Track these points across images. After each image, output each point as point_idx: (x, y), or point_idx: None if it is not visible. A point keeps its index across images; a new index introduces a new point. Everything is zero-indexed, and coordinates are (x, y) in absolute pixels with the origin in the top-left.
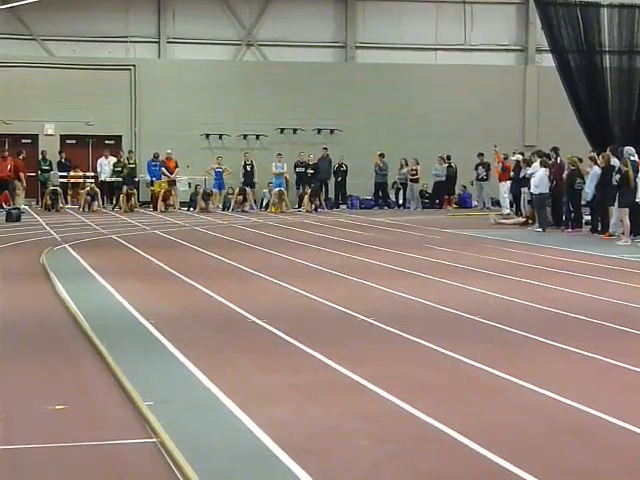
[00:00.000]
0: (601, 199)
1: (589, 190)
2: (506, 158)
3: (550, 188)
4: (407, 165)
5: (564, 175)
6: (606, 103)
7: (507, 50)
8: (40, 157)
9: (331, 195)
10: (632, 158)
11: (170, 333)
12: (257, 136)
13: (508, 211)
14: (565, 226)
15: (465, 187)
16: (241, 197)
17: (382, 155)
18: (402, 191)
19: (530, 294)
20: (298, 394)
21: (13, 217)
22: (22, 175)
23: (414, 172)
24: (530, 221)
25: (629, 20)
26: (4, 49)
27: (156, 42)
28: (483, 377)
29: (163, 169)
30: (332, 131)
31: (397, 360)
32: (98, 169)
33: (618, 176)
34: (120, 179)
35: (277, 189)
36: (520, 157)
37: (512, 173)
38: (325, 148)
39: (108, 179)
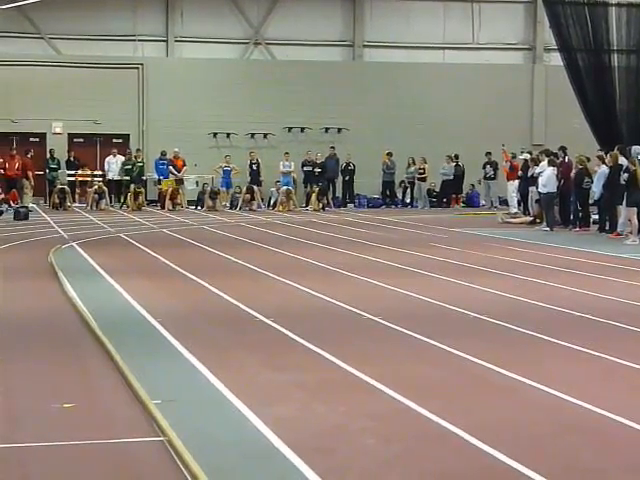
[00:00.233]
0: (609, 198)
1: (597, 189)
2: (514, 157)
3: (558, 187)
4: (415, 164)
5: (572, 174)
6: (614, 102)
7: (515, 49)
8: (48, 156)
9: (338, 194)
10: None
11: (177, 331)
12: (265, 135)
13: (516, 210)
14: (573, 225)
15: (473, 186)
16: (249, 196)
17: (390, 154)
18: (410, 190)
19: (537, 293)
20: (305, 392)
21: (21, 215)
22: (30, 174)
23: (422, 171)
24: (538, 220)
25: (637, 19)
26: (12, 47)
27: (164, 41)
28: (490, 376)
29: (171, 168)
30: (339, 130)
31: (404, 359)
32: (106, 167)
33: (626, 175)
34: (128, 177)
35: (285, 188)
36: (528, 156)
37: (520, 172)
38: (332, 147)
39: (116, 177)
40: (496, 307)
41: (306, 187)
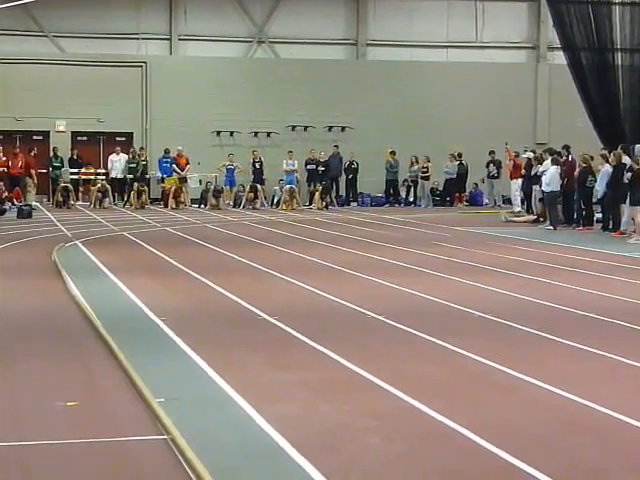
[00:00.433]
0: (612, 197)
1: (600, 188)
2: (517, 156)
3: (561, 186)
4: (418, 162)
5: (575, 173)
6: (618, 101)
7: (518, 48)
8: (52, 154)
9: (342, 192)
10: None
11: (181, 330)
12: (268, 133)
13: (519, 209)
14: (576, 224)
15: (476, 185)
16: (252, 194)
17: (393, 152)
18: (413, 188)
19: (541, 292)
20: (308, 391)
21: (24, 214)
22: (33, 172)
23: (425, 169)
24: (541, 219)
25: None
26: (16, 46)
27: (167, 39)
28: (494, 375)
29: (174, 166)
30: (343, 128)
31: (408, 357)
32: (109, 166)
33: (629, 174)
34: (132, 176)
35: (288, 186)
36: (531, 155)
37: (523, 171)
38: (336, 145)
39: (119, 176)
40: (500, 306)
41: (309, 186)
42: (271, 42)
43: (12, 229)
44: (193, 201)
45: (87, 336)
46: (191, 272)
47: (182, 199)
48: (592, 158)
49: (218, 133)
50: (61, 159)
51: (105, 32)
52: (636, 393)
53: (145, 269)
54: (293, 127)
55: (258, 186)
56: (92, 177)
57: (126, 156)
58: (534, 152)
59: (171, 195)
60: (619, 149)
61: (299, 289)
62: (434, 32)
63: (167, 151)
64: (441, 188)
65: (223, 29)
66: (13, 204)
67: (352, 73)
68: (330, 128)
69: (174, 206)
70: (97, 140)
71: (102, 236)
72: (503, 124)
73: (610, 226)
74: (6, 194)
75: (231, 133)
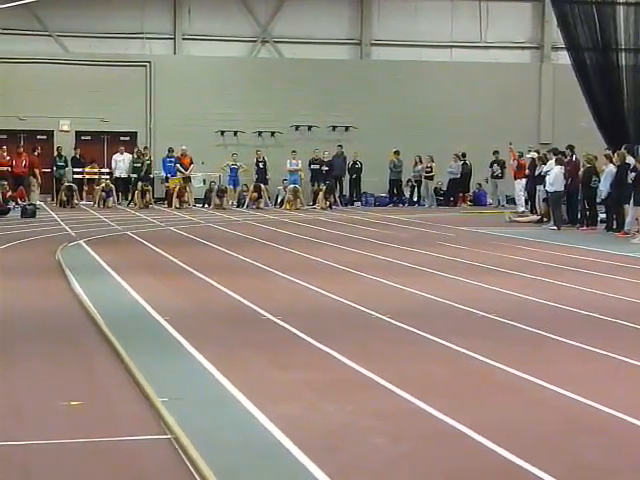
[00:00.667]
0: (616, 197)
1: (604, 188)
2: (521, 156)
3: (565, 186)
4: (422, 162)
5: (580, 173)
6: (621, 101)
7: (523, 48)
8: (55, 153)
9: (346, 192)
10: None
11: (184, 329)
12: (272, 133)
13: (523, 209)
14: (580, 224)
15: (480, 185)
16: (256, 194)
17: (397, 152)
18: (417, 188)
19: (545, 292)
20: (312, 391)
21: (28, 213)
22: (37, 171)
23: (429, 169)
24: (545, 219)
25: None
26: (20, 45)
27: (171, 39)
28: (498, 374)
29: (178, 166)
30: (347, 128)
31: (412, 357)
32: (113, 165)
33: (633, 174)
34: (136, 175)
35: (292, 186)
36: (535, 155)
37: (527, 171)
38: (340, 145)
39: (123, 175)
40: (504, 306)
41: (313, 185)
42: (275, 42)
43: (16, 228)
44: (197, 201)
45: (90, 335)
46: (195, 272)
47: (186, 198)
48: (596, 158)
49: (222, 133)
50: (65, 158)
51: (109, 32)
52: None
53: (149, 268)
54: (297, 127)
55: (262, 186)
56: (96, 176)
57: (130, 156)
58: (538, 152)
59: (175, 194)
60: (623, 149)
61: (303, 289)
62: (438, 32)
63: (171, 150)
64: (445, 188)
65: (227, 29)
66: (17, 203)
67: (356, 73)
68: (334, 128)
69: (178, 205)
70: (101, 140)
71: (106, 235)
72: (507, 124)
73: (614, 226)
74: (10, 193)
75: (235, 133)
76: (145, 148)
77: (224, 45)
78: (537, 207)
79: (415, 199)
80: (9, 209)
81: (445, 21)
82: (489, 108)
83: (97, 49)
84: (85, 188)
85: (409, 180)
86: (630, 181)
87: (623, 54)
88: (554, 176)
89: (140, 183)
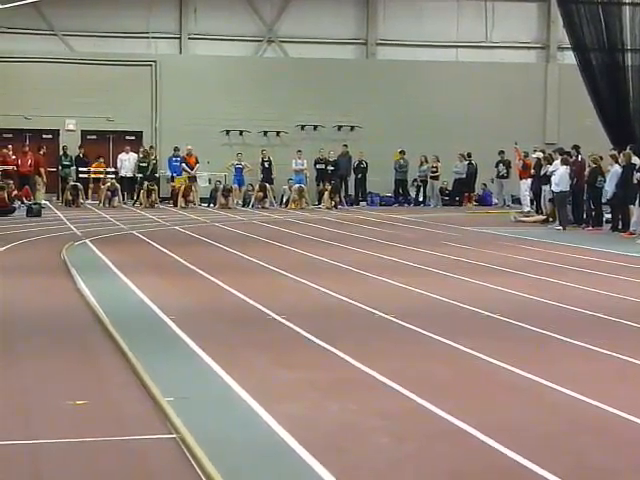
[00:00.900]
0: (622, 197)
1: (609, 188)
2: (526, 156)
3: (571, 186)
4: (427, 162)
5: (585, 173)
6: (627, 101)
7: (528, 48)
8: (61, 152)
9: (351, 192)
10: None
11: (190, 329)
12: (277, 133)
13: (528, 209)
14: (585, 224)
15: (485, 185)
16: (261, 194)
17: (402, 152)
18: (422, 188)
19: (550, 292)
20: (317, 391)
21: (34, 212)
22: (43, 170)
23: (434, 169)
24: (550, 219)
25: None
26: (25, 44)
27: (177, 38)
28: (502, 374)
29: (183, 165)
30: (352, 128)
31: (416, 357)
32: (118, 164)
33: (639, 174)
34: (141, 175)
35: (297, 186)
36: (541, 155)
37: (533, 171)
38: (345, 145)
39: (129, 175)
40: (509, 306)
41: (318, 185)
42: (281, 41)
43: (21, 227)
44: (202, 200)
45: (96, 335)
46: (200, 271)
47: (191, 198)
48: (601, 158)
49: (227, 132)
50: (71, 158)
51: (115, 31)
52: None
53: (154, 268)
54: (302, 126)
55: (267, 185)
56: (102, 176)
57: (135, 155)
58: (543, 152)
59: (180, 194)
60: (628, 149)
61: (308, 288)
62: (444, 32)
63: (177, 150)
64: (450, 188)
65: (233, 28)
66: (22, 202)
67: (362, 73)
68: (339, 127)
69: (183, 205)
70: (106, 139)
71: (111, 235)
72: (512, 124)
73: (619, 226)
74: (15, 192)
75: (240, 132)
76: (151, 147)
77: (230, 45)
78: (542, 207)
79: (420, 199)
80: (15, 208)
81: (451, 21)
82: (494, 108)
83: (103, 48)
84: (91, 186)
85: (414, 180)
86: (636, 181)
87: (629, 54)
88: (560, 176)
89: (146, 182)
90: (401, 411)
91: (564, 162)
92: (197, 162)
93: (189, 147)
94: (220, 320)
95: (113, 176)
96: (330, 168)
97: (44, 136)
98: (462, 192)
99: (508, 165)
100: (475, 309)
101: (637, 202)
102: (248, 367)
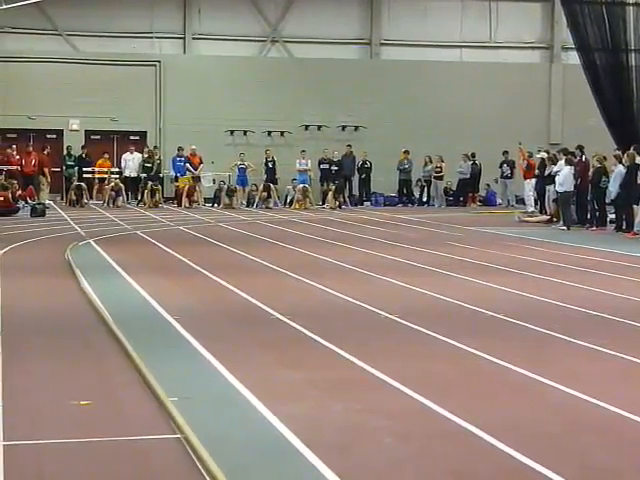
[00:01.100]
0: (626, 198)
1: (613, 189)
2: (530, 156)
3: (575, 186)
4: (431, 162)
5: (589, 173)
6: (631, 102)
7: (532, 48)
8: (65, 152)
9: (355, 192)
10: None
11: (194, 329)
12: (281, 133)
13: (532, 209)
14: (590, 224)
15: (489, 185)
16: (265, 194)
17: (407, 152)
18: (426, 188)
19: (553, 292)
20: (321, 390)
21: (38, 212)
22: (46, 170)
23: (438, 169)
24: (554, 219)
25: None
26: (29, 44)
27: (181, 38)
28: (506, 374)
29: (187, 165)
30: (356, 128)
31: (420, 357)
32: (122, 164)
33: None
34: (145, 175)
35: (301, 186)
36: (545, 155)
37: (537, 171)
38: (349, 145)
39: (133, 175)
40: (512, 306)
41: (323, 185)
42: (285, 41)
43: (25, 227)
44: (206, 200)
45: (100, 335)
46: (204, 271)
47: (195, 198)
48: (605, 158)
49: (232, 132)
50: (75, 158)
51: (119, 31)
52: None
53: (158, 268)
54: (306, 126)
55: (271, 185)
56: (106, 176)
57: (140, 155)
58: (548, 152)
59: (184, 194)
60: (632, 149)
61: (312, 288)
62: (448, 32)
63: (181, 150)
64: (454, 188)
65: (237, 28)
66: (26, 202)
67: (366, 73)
68: (343, 127)
69: (187, 205)
70: (111, 139)
71: (115, 235)
72: (517, 124)
73: (623, 226)
74: (19, 192)
75: (244, 132)
76: (155, 147)
77: (234, 45)
78: (547, 207)
79: (425, 199)
80: (19, 208)
81: (455, 21)
82: (498, 108)
83: (107, 48)
84: (96, 185)
85: (419, 180)
86: (639, 181)
87: (633, 54)
88: (564, 176)
89: (150, 182)
90: (404, 411)
91: (568, 162)
92: (201, 162)
93: (193, 147)
94: (224, 320)
95: (117, 176)
96: (334, 168)
97: (48, 136)
98: (466, 192)
99: (512, 165)
100: (479, 309)
101: None
102: (252, 367)
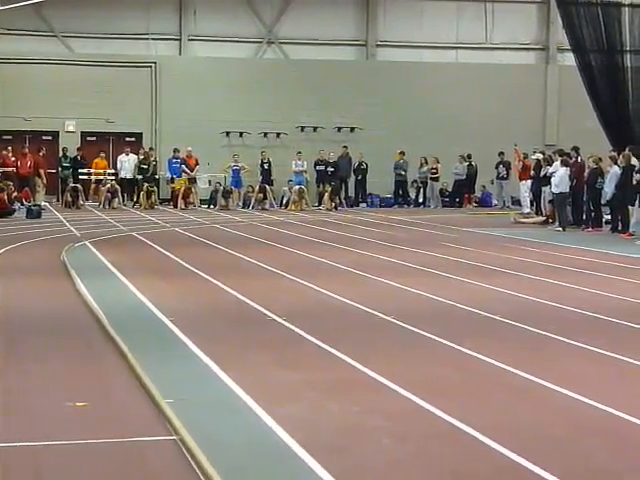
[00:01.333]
0: (621, 199)
1: (608, 190)
2: (526, 157)
3: (570, 187)
4: (427, 164)
5: (585, 174)
6: (627, 103)
7: (528, 49)
8: (61, 154)
9: (351, 193)
10: None
11: (189, 330)
12: (277, 134)
13: (528, 210)
14: (585, 225)
15: (484, 187)
16: (261, 195)
17: (402, 153)
18: (422, 189)
19: (549, 293)
20: (317, 392)
21: (34, 214)
22: (42, 172)
23: (434, 171)
24: (550, 220)
25: None
26: (25, 46)
27: (177, 39)
28: (503, 376)
29: (183, 167)
30: (352, 129)
31: (416, 358)
32: (118, 166)
33: (638, 175)
34: (141, 176)
35: (297, 187)
36: (540, 156)
37: (532, 172)
38: (345, 146)
39: (128, 176)
40: (508, 307)
41: (319, 186)
42: (281, 43)
43: (21, 229)
44: (202, 202)
45: (96, 336)
46: (200, 272)
47: (191, 200)
48: (600, 159)
49: (227, 134)
50: (70, 159)
51: (115, 32)
52: None
53: (154, 269)
54: (302, 128)
55: (267, 187)
56: (102, 177)
57: (135, 156)
58: (543, 153)
59: (180, 196)
60: (627, 150)
61: (308, 290)
62: (443, 33)
63: (176, 151)
64: (450, 189)
65: (233, 30)
66: (22, 204)
67: (361, 74)
68: (339, 129)
69: (183, 207)
70: (106, 140)
71: (111, 236)
72: (512, 125)
73: (619, 227)
74: (15, 194)
75: (240, 134)
76: (150, 149)
77: (230, 46)
78: (542, 208)
79: (420, 200)
80: (14, 210)
81: (450, 22)
82: (494, 109)
83: (102, 50)
84: (93, 186)
85: (414, 181)
86: (635, 182)
87: (628, 56)
88: (559, 177)
89: (145, 184)
90: (402, 412)
91: (564, 163)
92: (197, 163)
93: (189, 149)
94: (220, 321)
95: (113, 178)
96: (330, 169)
97: (44, 138)
98: (462, 193)
99: (508, 166)
100: (474, 310)
101: (636, 203)
102: (248, 368)
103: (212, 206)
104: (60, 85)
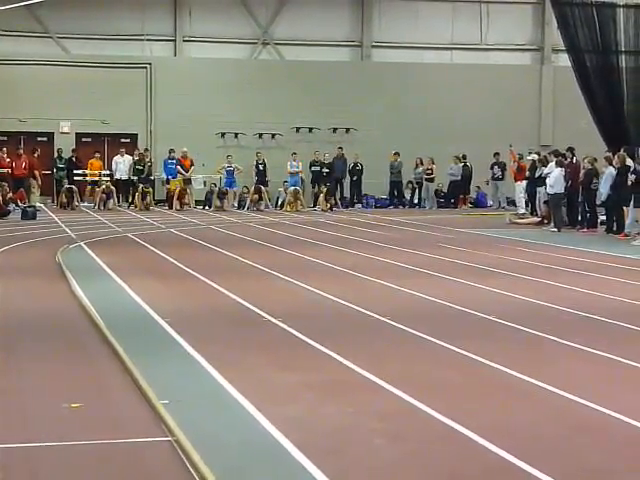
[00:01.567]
0: (616, 199)
1: (603, 190)
2: (521, 158)
3: (565, 188)
4: (422, 164)
5: (580, 175)
6: (622, 103)
7: (523, 50)
8: (56, 155)
9: (346, 194)
10: None
11: (185, 331)
12: (273, 135)
13: (523, 211)
14: (580, 226)
15: (479, 187)
16: (256, 196)
17: (397, 154)
18: (417, 190)
19: (545, 294)
20: (313, 393)
21: (29, 215)
22: (37, 173)
23: (429, 171)
24: (545, 221)
25: None
26: (20, 46)
27: (172, 40)
28: (499, 377)
29: (179, 167)
30: (347, 130)
31: (412, 359)
32: (113, 167)
33: (633, 176)
34: (136, 177)
35: (292, 188)
36: (536, 157)
37: (527, 173)
38: (340, 147)
39: (124, 177)
40: (504, 308)
41: (314, 187)
42: (276, 44)
43: (16, 230)
44: (197, 202)
45: (91, 338)
46: (195, 274)
47: (187, 200)
48: (596, 160)
49: (223, 135)
50: (65, 160)
51: (110, 33)
52: None
53: (149, 270)
54: (297, 129)
55: (262, 188)
56: (97, 178)
57: (130, 157)
58: (538, 154)
59: (175, 196)
60: (622, 151)
61: (303, 291)
62: (439, 34)
63: (172, 152)
64: (445, 190)
65: (228, 31)
66: (17, 205)
67: (357, 75)
68: (335, 130)
69: (179, 207)
70: (102, 141)
71: (106, 237)
72: (507, 126)
73: (614, 228)
74: (10, 195)
75: (235, 135)
76: (146, 150)
77: (225, 47)
78: (537, 209)
79: (416, 201)
80: (9, 211)
81: (446, 23)
82: (489, 110)
83: (98, 51)
84: (89, 187)
85: (409, 182)
86: (630, 183)
87: (623, 56)
88: (554, 178)
89: (141, 185)
90: (397, 413)
91: (559, 164)
92: (192, 164)
93: (184, 149)
94: (215, 322)
95: (108, 179)
96: (325, 170)
97: (39, 139)
98: (457, 194)
99: (503, 167)
100: (470, 311)
101: (631, 204)
102: (243, 369)
103: (207, 207)
104: (55, 86)
